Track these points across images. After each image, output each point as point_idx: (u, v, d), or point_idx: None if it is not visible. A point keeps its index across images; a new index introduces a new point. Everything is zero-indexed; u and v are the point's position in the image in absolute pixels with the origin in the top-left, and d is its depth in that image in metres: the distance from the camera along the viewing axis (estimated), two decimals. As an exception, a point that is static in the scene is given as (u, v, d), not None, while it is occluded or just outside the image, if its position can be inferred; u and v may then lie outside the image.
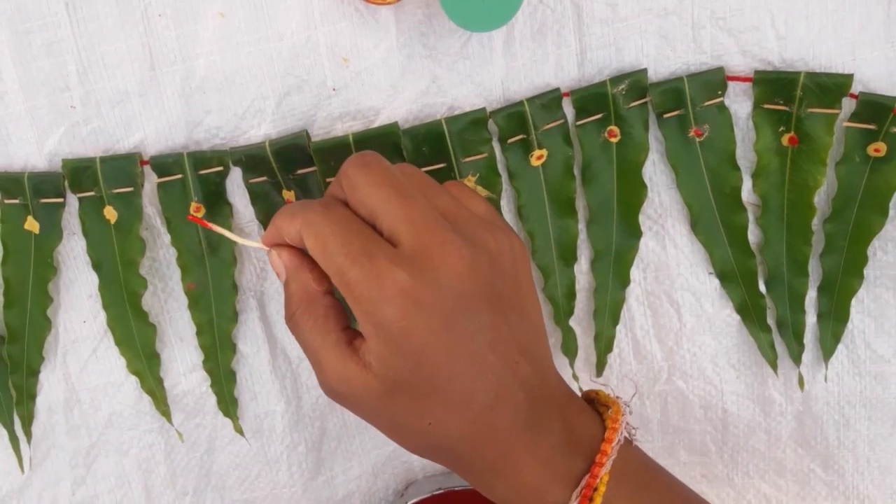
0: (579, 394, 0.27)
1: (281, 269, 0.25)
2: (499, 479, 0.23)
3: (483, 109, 0.31)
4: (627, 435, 0.25)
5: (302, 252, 0.25)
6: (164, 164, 0.31)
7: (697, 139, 0.32)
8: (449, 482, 0.37)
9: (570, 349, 0.35)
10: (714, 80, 0.31)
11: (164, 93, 0.30)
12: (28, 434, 0.34)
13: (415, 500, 0.36)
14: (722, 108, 0.31)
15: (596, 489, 0.23)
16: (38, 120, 0.30)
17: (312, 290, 0.24)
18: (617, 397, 0.26)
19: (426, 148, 0.31)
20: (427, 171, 0.31)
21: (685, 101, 0.31)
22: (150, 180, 0.31)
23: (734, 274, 0.34)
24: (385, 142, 0.31)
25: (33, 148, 0.30)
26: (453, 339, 0.22)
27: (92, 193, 0.30)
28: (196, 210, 0.31)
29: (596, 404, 0.26)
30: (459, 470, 0.24)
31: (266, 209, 0.32)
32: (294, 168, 0.31)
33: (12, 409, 0.33)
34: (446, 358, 0.22)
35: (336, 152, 0.31)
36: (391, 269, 0.21)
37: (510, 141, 0.32)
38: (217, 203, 0.32)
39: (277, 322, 0.34)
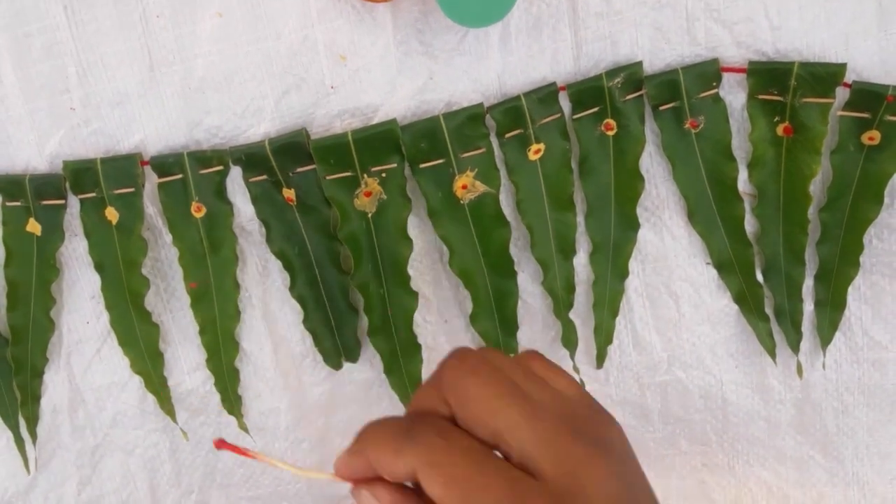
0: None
1: None
2: None
3: (480, 105, 0.31)
4: None
5: (406, 489, 0.20)
6: (165, 165, 0.31)
7: (693, 131, 0.32)
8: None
9: (570, 341, 0.35)
10: (709, 72, 0.31)
11: (163, 93, 0.30)
12: (33, 435, 0.34)
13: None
14: (717, 99, 0.32)
15: None
16: (39, 122, 0.30)
17: None
18: None
19: (424, 144, 0.32)
20: (425, 167, 0.32)
21: (680, 92, 0.31)
22: (151, 180, 0.31)
23: (732, 264, 0.34)
24: (384, 138, 0.31)
25: (34, 150, 0.31)
26: None
27: (93, 195, 0.31)
28: (197, 210, 0.31)
29: None
30: None
31: (266, 207, 0.32)
32: (294, 166, 0.32)
33: (17, 411, 0.33)
34: None
35: (335, 149, 0.31)
36: None
37: (508, 135, 0.32)
38: (217, 202, 0.32)
39: (280, 319, 0.35)
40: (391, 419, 0.20)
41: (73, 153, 0.31)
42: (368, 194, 0.32)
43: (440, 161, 0.32)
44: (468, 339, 0.36)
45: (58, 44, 0.29)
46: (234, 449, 0.22)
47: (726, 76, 0.32)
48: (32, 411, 0.33)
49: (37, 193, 0.31)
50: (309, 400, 0.36)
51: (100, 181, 0.30)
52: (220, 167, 0.31)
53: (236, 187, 0.32)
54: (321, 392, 0.36)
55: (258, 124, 0.31)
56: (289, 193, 0.32)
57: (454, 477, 0.18)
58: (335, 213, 0.32)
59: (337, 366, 0.35)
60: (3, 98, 0.30)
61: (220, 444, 0.22)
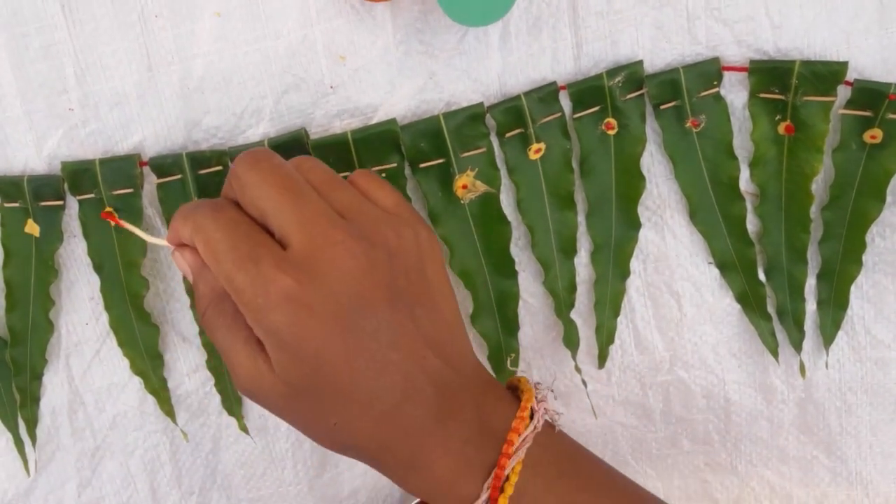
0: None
1: (186, 269, 0.24)
2: (412, 473, 0.23)
3: (481, 104, 0.31)
4: (550, 420, 0.25)
5: None
6: (164, 165, 0.31)
7: (694, 130, 0.32)
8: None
9: (571, 341, 0.35)
10: (710, 71, 0.31)
11: (162, 94, 0.30)
12: (33, 437, 0.34)
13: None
14: (718, 98, 0.32)
15: (507, 479, 0.22)
16: (37, 123, 0.30)
17: (219, 288, 0.23)
18: (537, 383, 0.26)
19: (424, 144, 0.31)
20: (425, 167, 0.32)
21: (681, 91, 0.31)
22: (150, 181, 0.31)
23: (734, 263, 0.34)
24: (384, 138, 0.31)
25: (32, 151, 0.30)
26: (351, 340, 0.21)
27: (92, 195, 0.30)
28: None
29: (519, 392, 0.25)
30: (374, 466, 0.24)
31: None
32: (293, 166, 0.31)
33: (16, 413, 0.33)
34: (345, 360, 0.21)
35: (335, 150, 0.31)
36: (277, 274, 0.20)
37: (508, 135, 0.32)
38: (217, 203, 0.32)
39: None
40: (200, 200, 0.25)
41: (71, 154, 0.31)
42: (368, 194, 0.32)
43: (440, 161, 0.32)
44: (470, 337, 0.36)
45: (56, 44, 0.29)
46: (111, 218, 0.29)
47: (727, 75, 0.31)
48: (32, 413, 0.33)
49: (35, 195, 0.30)
50: (309, 401, 0.36)
51: (98, 182, 0.30)
52: (219, 167, 0.31)
53: (236, 188, 0.32)
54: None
55: (257, 124, 0.31)
56: (288, 194, 0.32)
57: (210, 238, 0.22)
58: (335, 213, 0.32)
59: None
60: (1, 99, 0.30)
61: (107, 215, 0.29)
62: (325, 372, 0.21)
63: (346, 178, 0.26)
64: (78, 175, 0.30)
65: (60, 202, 0.31)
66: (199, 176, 0.31)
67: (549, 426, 0.25)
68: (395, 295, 0.22)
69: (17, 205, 0.31)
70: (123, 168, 0.30)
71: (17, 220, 0.31)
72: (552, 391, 0.25)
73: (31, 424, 0.34)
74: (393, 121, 0.31)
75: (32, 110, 0.30)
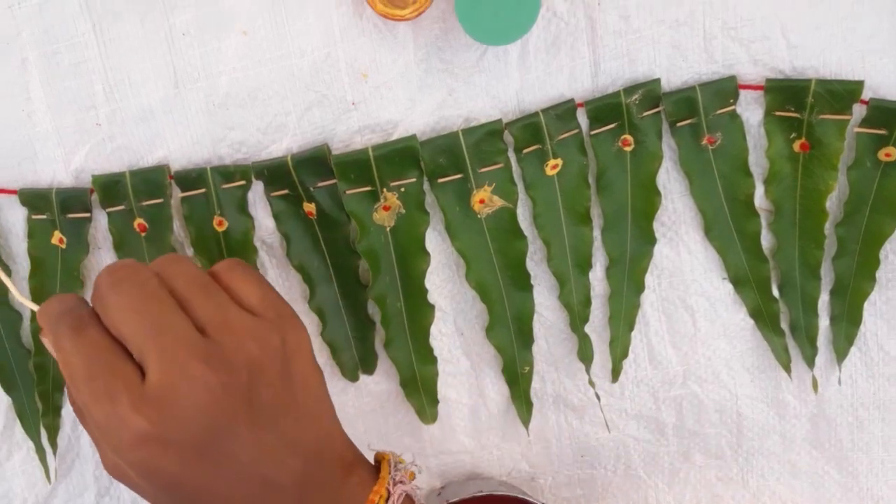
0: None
1: (54, 354, 0.24)
2: None
3: (499, 121, 0.32)
4: (412, 498, 0.25)
5: None
6: (189, 179, 0.31)
7: (710, 147, 0.32)
8: (487, 486, 0.37)
9: (586, 356, 0.35)
10: (726, 89, 0.31)
11: (187, 109, 0.31)
12: (54, 445, 0.34)
13: (455, 500, 0.36)
14: (734, 115, 0.32)
15: None
16: (65, 138, 0.31)
17: None
18: (398, 463, 0.26)
19: (443, 159, 0.32)
20: (443, 182, 0.32)
21: (698, 109, 0.32)
22: (174, 195, 0.32)
23: (748, 279, 0.34)
24: (404, 154, 0.32)
25: (60, 165, 0.31)
26: (208, 466, 0.22)
27: (122, 207, 0.31)
28: (219, 224, 0.32)
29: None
30: None
31: (287, 221, 0.33)
32: (315, 181, 0.32)
33: (39, 421, 0.34)
34: (204, 482, 0.22)
35: (356, 165, 0.31)
36: (132, 416, 0.21)
37: (525, 151, 0.32)
38: (239, 216, 0.32)
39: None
40: (69, 298, 0.24)
41: (97, 168, 0.31)
42: (387, 208, 0.32)
43: (458, 176, 0.32)
44: (484, 350, 0.36)
45: (85, 61, 0.30)
46: None
47: (743, 93, 0.32)
48: (53, 422, 0.34)
49: (62, 207, 0.31)
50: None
51: (129, 193, 0.31)
52: (243, 182, 0.31)
53: (258, 201, 0.33)
54: (339, 404, 0.36)
55: (280, 140, 0.31)
56: (309, 207, 0.32)
57: (68, 362, 0.22)
58: (354, 226, 0.32)
59: (354, 378, 0.36)
60: (31, 114, 0.30)
61: None
62: (186, 491, 0.22)
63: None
64: (109, 187, 0.31)
65: (87, 214, 0.31)
66: (223, 190, 0.31)
67: (409, 499, 0.25)
68: (256, 413, 0.22)
69: (44, 217, 0.31)
70: (153, 179, 0.31)
71: (45, 232, 0.31)
72: (417, 465, 0.26)
73: (53, 433, 0.34)
74: (413, 137, 0.32)
75: (61, 126, 0.31)
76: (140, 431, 0.21)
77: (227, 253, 0.32)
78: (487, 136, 0.32)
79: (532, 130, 0.32)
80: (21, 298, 0.26)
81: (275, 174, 0.32)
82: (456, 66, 0.31)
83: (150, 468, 0.21)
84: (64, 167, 0.31)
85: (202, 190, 0.31)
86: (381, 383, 0.36)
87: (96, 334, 0.22)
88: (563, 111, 0.32)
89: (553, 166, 0.33)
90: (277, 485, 0.23)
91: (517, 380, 0.36)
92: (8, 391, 0.33)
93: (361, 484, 0.25)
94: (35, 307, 0.25)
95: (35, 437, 0.34)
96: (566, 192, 0.33)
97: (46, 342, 0.24)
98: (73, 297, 0.24)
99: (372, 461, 0.27)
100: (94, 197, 0.31)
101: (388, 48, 0.31)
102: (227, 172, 0.31)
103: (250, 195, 0.32)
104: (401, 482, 0.25)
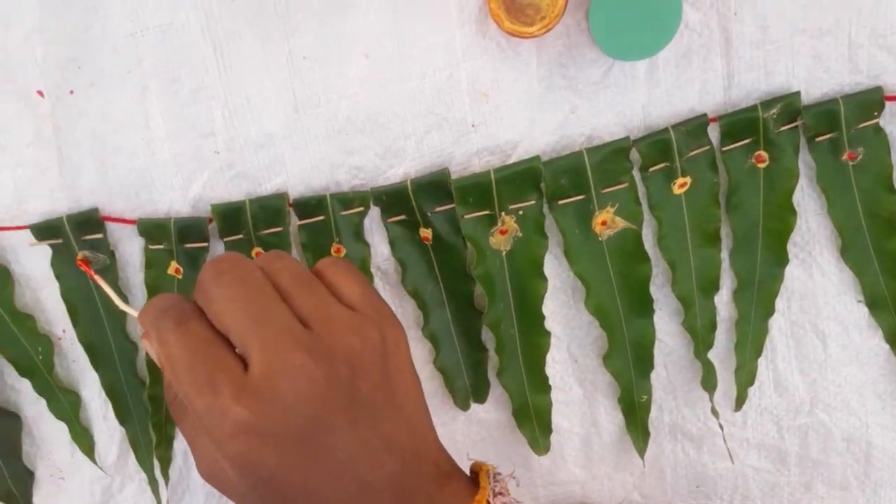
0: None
1: (154, 356, 0.23)
2: None
3: (626, 138, 0.30)
4: None
5: None
6: (308, 206, 0.30)
7: (850, 163, 0.30)
8: None
9: (709, 383, 0.33)
10: (871, 101, 0.29)
11: (307, 135, 0.30)
12: (166, 477, 0.34)
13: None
14: (878, 129, 0.30)
15: None
16: (183, 166, 0.30)
17: None
18: (497, 473, 0.25)
19: (565, 180, 0.31)
20: (563, 204, 0.31)
21: (839, 123, 0.30)
22: (292, 223, 0.31)
23: (885, 301, 0.32)
24: (525, 175, 0.30)
25: (178, 194, 0.31)
26: (307, 460, 0.21)
27: (240, 237, 0.30)
28: (336, 251, 0.31)
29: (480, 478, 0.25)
30: None
31: (403, 247, 0.32)
32: (433, 205, 0.31)
33: (152, 453, 0.33)
34: (302, 478, 0.21)
35: (475, 189, 0.30)
36: (233, 406, 0.20)
37: (652, 169, 0.31)
38: (356, 242, 0.31)
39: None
40: (170, 296, 0.23)
41: (215, 196, 0.31)
42: (504, 232, 0.31)
43: (580, 197, 0.31)
44: (598, 378, 0.35)
45: (205, 87, 0.29)
46: (88, 271, 0.28)
47: (889, 105, 0.30)
48: (166, 453, 0.33)
49: (180, 236, 0.30)
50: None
51: (248, 222, 0.30)
52: (361, 208, 0.30)
53: (374, 227, 0.32)
54: (448, 433, 0.35)
55: (399, 164, 0.30)
56: (426, 233, 0.31)
57: (171, 356, 0.21)
58: (471, 251, 0.31)
59: (465, 406, 0.34)
60: (150, 142, 0.30)
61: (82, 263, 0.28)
62: (282, 488, 0.21)
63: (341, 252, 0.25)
64: (228, 216, 0.30)
65: (205, 244, 0.31)
66: (340, 216, 0.30)
67: None
68: (356, 408, 0.22)
69: (161, 247, 0.31)
70: (272, 206, 0.30)
71: (162, 262, 0.31)
72: (515, 478, 0.24)
73: (165, 464, 0.34)
74: (537, 158, 0.30)
75: (179, 153, 0.30)
76: (241, 422, 0.20)
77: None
78: (613, 155, 0.30)
79: (661, 147, 0.30)
80: (123, 305, 0.26)
81: (393, 199, 0.31)
82: (580, 81, 0.30)
83: (249, 460, 0.21)
84: (182, 195, 0.31)
85: (321, 217, 0.30)
86: (491, 412, 0.35)
87: (199, 326, 0.22)
88: (694, 127, 0.30)
89: (681, 185, 0.31)
90: (373, 487, 0.22)
91: (634, 408, 0.34)
92: (122, 422, 0.33)
93: (458, 494, 0.24)
94: (135, 313, 0.24)
95: (148, 469, 0.34)
96: (694, 211, 0.31)
97: (146, 344, 0.23)
98: (173, 294, 0.24)
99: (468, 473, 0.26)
100: (212, 226, 0.31)
101: (511, 66, 0.29)
102: (345, 199, 0.30)
103: (366, 221, 0.31)
104: (500, 493, 0.24)
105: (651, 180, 0.31)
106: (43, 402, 0.33)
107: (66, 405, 0.33)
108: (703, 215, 0.31)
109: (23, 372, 0.32)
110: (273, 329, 0.21)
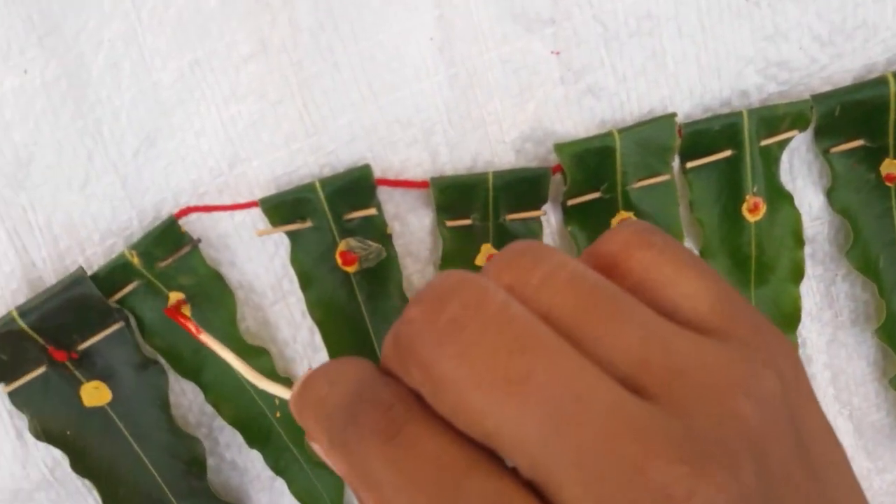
0: None
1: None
2: None
3: None
4: None
5: None
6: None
7: None
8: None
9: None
10: None
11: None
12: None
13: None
14: None
15: None
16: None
17: None
18: None
19: None
20: None
21: None
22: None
23: None
24: None
25: (493, 130, 0.19)
26: None
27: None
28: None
29: None
30: None
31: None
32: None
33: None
34: None
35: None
36: None
37: None
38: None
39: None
40: (350, 371, 0.12)
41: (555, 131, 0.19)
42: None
43: None
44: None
45: None
46: (181, 321, 0.19)
47: None
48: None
49: (496, 201, 0.19)
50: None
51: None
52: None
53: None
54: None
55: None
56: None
57: (384, 498, 0.11)
58: None
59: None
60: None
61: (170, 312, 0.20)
62: None
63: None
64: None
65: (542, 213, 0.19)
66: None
67: None
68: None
69: (467, 222, 0.19)
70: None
71: (467, 245, 0.19)
72: None
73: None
74: None
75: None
76: None
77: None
78: None
79: None
80: (261, 381, 0.16)
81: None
82: None
83: None
84: (498, 130, 0.19)
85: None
86: None
87: (430, 439, 0.12)
88: None
89: None
90: None
91: None
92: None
93: None
94: (285, 393, 0.14)
95: None
96: None
97: (318, 449, 0.13)
98: (353, 366, 0.13)
99: None
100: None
101: None
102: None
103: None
104: None
105: None
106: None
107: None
108: None
109: (252, 441, 0.20)
110: (591, 431, 0.11)
